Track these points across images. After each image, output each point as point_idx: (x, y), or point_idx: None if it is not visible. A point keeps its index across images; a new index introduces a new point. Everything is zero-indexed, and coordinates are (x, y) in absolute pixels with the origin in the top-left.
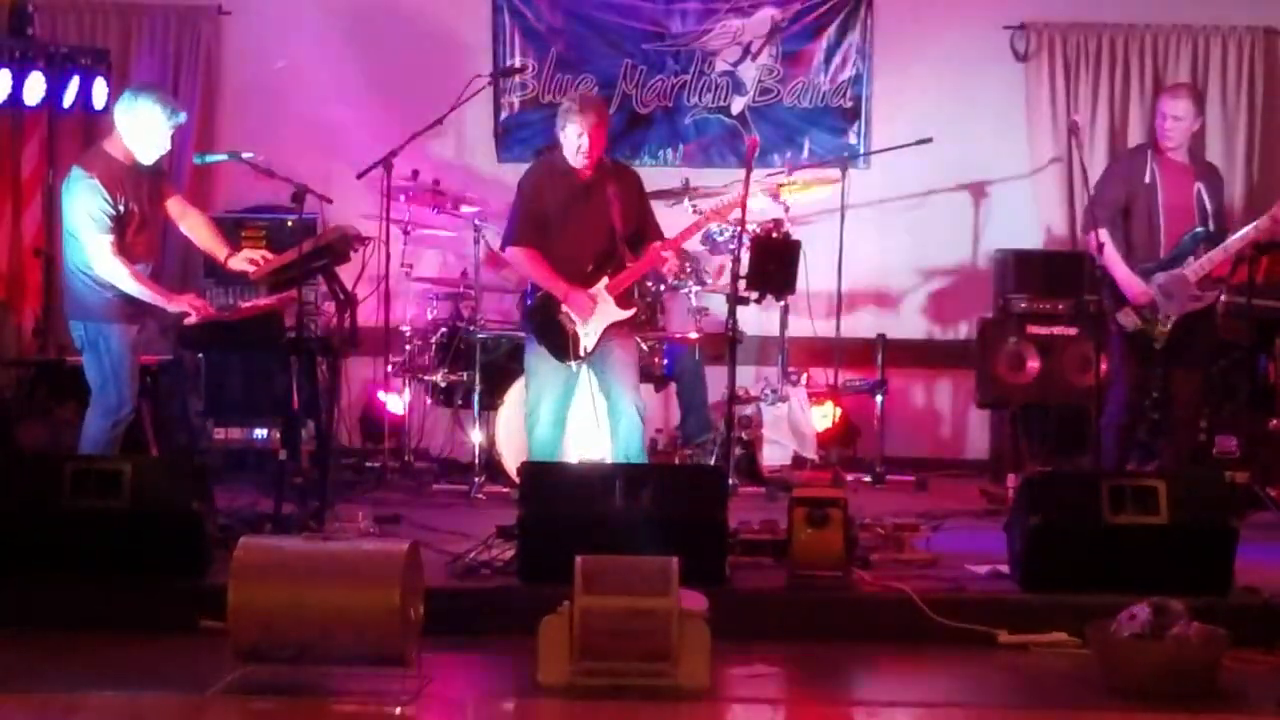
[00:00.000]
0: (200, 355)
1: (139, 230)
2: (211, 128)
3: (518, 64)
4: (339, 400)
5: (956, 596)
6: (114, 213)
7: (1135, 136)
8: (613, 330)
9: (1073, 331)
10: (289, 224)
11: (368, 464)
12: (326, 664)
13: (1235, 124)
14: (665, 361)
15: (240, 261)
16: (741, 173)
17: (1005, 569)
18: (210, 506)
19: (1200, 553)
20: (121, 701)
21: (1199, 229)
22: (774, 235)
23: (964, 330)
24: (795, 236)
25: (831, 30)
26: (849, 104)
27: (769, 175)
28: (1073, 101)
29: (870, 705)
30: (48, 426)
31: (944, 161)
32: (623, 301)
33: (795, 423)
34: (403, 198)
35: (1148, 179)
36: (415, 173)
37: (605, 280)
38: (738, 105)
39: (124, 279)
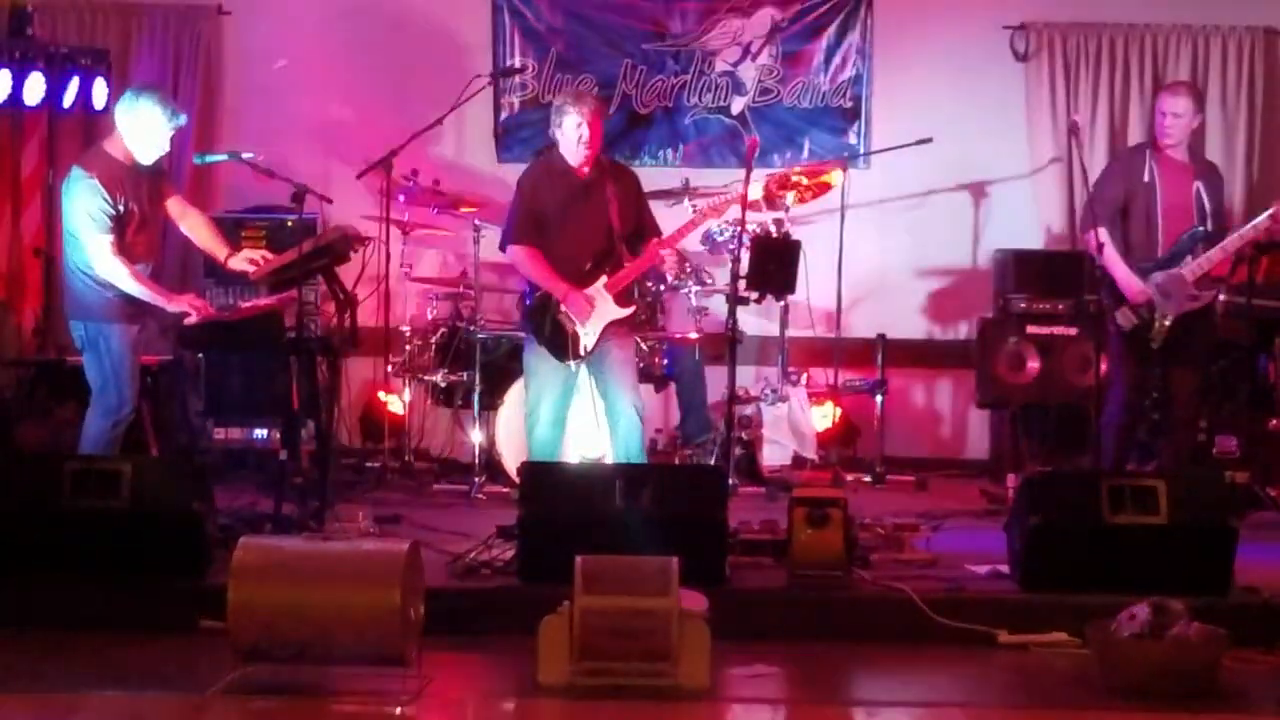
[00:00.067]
0: (200, 355)
1: (139, 230)
2: (211, 128)
3: (518, 64)
4: (339, 400)
5: (956, 596)
6: (114, 212)
7: (1135, 136)
8: (611, 330)
9: (1072, 331)
10: (289, 224)
11: (368, 464)
12: (326, 664)
13: (1235, 124)
14: (665, 361)
15: (240, 261)
16: (741, 173)
17: (1005, 569)
18: (210, 506)
19: (1200, 553)
20: (121, 701)
21: (1197, 228)
22: (774, 235)
23: (964, 330)
24: (795, 236)
25: (831, 30)
26: (849, 104)
27: (769, 174)
28: (1073, 101)
29: (870, 705)
30: (48, 426)
31: (944, 161)
32: (621, 300)
33: (795, 423)
34: (402, 198)
35: (1146, 178)
36: (415, 173)
37: (604, 279)
38: (738, 105)
39: (124, 279)
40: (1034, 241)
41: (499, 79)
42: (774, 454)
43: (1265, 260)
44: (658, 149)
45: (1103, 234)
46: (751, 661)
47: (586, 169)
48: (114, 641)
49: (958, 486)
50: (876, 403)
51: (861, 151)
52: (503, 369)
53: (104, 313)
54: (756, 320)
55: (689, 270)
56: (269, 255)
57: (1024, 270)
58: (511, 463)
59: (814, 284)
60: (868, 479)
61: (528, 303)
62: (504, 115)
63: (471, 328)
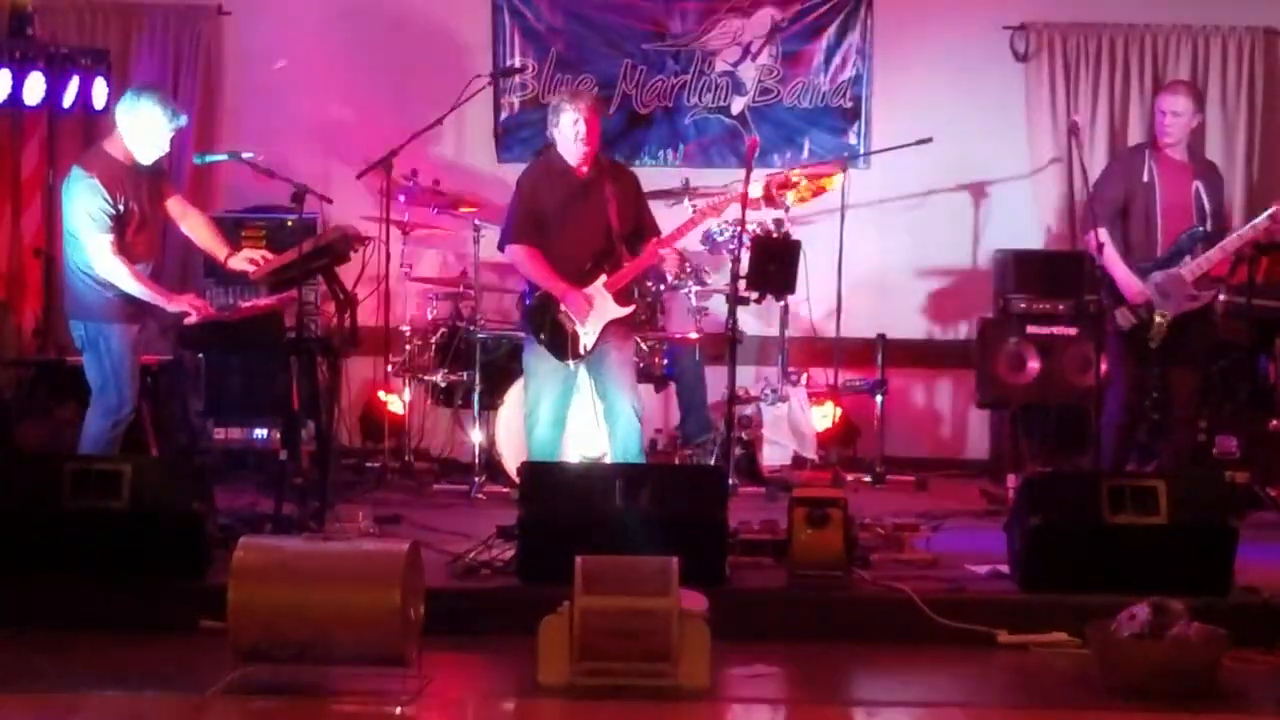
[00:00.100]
0: (200, 355)
1: (139, 230)
2: (211, 128)
3: (518, 64)
4: (339, 400)
5: (956, 596)
6: (114, 212)
7: (1135, 136)
8: (611, 329)
9: (1072, 331)
10: (289, 224)
11: (368, 464)
12: (326, 664)
13: (1235, 124)
14: (665, 361)
15: (240, 261)
16: (741, 173)
17: (1005, 569)
18: (210, 506)
19: (1200, 553)
20: (121, 701)
21: (1197, 228)
22: (774, 235)
23: (964, 330)
24: (795, 236)
25: (831, 30)
26: (849, 104)
27: (770, 175)
28: (1073, 101)
29: (870, 705)
30: (48, 426)
31: (944, 161)
32: (621, 299)
33: (795, 423)
34: (402, 198)
35: (1146, 178)
36: (415, 173)
37: (603, 278)
38: (738, 105)
39: (124, 279)
40: (1034, 242)
41: (499, 79)
42: (774, 454)
43: (1265, 260)
44: (658, 149)
45: (1103, 234)
46: (751, 661)
47: (586, 168)
48: (114, 641)
49: (958, 486)
50: (876, 403)
51: (861, 151)
52: (503, 369)
53: (104, 313)
54: (756, 320)
55: (689, 270)
56: (269, 255)
57: (1024, 270)
58: (511, 463)
59: (814, 284)
60: (868, 479)
61: (527, 303)
62: (504, 115)
63: (471, 328)
